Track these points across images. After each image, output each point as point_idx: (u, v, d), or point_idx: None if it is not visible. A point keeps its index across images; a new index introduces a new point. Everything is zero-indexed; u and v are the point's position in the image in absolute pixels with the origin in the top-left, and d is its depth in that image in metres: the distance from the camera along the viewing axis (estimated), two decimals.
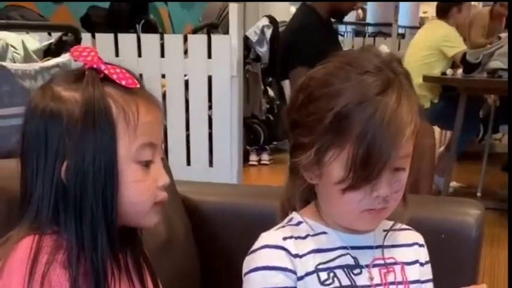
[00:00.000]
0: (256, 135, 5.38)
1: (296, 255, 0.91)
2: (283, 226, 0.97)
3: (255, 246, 0.94)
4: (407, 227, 1.02)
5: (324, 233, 0.94)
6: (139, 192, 0.83)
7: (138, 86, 0.83)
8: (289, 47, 2.91)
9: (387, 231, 0.97)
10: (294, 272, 0.91)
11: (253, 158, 5.36)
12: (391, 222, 0.99)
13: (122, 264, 0.85)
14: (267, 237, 0.94)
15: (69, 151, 0.78)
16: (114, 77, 0.81)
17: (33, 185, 0.81)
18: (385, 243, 0.96)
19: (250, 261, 0.93)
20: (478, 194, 4.13)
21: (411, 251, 0.99)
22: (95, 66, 0.82)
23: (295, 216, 0.97)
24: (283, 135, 5.38)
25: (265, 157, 5.40)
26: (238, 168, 3.15)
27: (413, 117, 0.85)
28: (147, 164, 0.83)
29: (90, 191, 0.78)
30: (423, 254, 1.00)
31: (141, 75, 2.80)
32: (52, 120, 0.79)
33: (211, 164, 3.21)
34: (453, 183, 4.17)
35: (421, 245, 1.00)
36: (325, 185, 0.91)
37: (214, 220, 1.49)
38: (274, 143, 5.70)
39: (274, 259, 0.91)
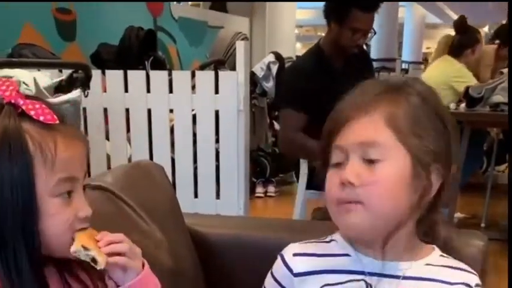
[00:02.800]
0: (262, 167, 5.42)
1: (298, 274, 0.96)
2: (314, 242, 1.01)
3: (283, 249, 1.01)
4: (463, 266, 0.99)
5: (348, 255, 0.96)
6: (58, 224, 0.83)
7: (57, 121, 0.82)
8: (281, 84, 2.94)
9: (417, 262, 0.96)
10: None
11: (259, 190, 5.39)
12: (441, 258, 0.98)
13: (60, 277, 0.87)
14: (288, 248, 1.01)
15: None
16: (32, 113, 0.81)
17: None
18: (418, 275, 0.94)
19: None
20: (482, 225, 4.14)
21: None
22: (12, 101, 0.81)
23: (334, 235, 1.00)
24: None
25: (271, 189, 5.43)
26: (245, 200, 3.16)
27: (381, 104, 0.89)
28: (67, 197, 0.84)
29: (10, 225, 0.79)
30: None
31: (149, 110, 2.87)
32: None
33: (218, 196, 3.22)
34: (457, 214, 4.18)
35: (467, 285, 0.96)
36: None
37: (221, 252, 1.50)
38: (280, 175, 5.73)
39: (278, 272, 1.00)
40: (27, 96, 0.83)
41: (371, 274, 0.93)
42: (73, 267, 0.90)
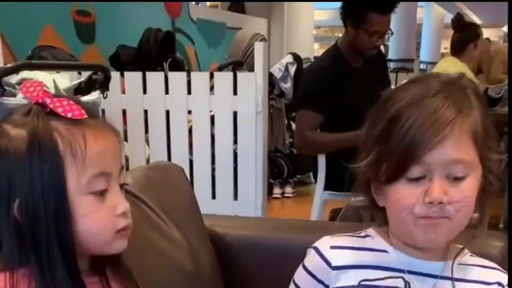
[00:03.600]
0: (280, 168, 5.41)
1: (336, 267, 0.95)
2: (349, 235, 0.99)
3: (315, 242, 1.00)
4: (495, 265, 1.00)
5: (385, 251, 0.95)
6: (95, 223, 0.82)
7: (85, 116, 0.82)
8: (300, 85, 2.94)
9: (452, 262, 0.95)
10: (325, 285, 0.96)
11: (276, 191, 5.38)
12: (471, 258, 0.98)
13: (103, 287, 0.86)
14: (322, 241, 1.00)
15: (19, 188, 0.78)
16: (59, 110, 0.80)
17: None
18: (455, 276, 0.94)
19: (307, 254, 1.00)
20: (501, 225, 4.09)
21: None
22: (40, 101, 0.81)
23: (368, 230, 1.00)
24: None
25: (288, 190, 5.42)
26: (263, 201, 3.16)
27: (463, 121, 0.86)
28: (101, 194, 0.82)
29: (43, 227, 0.78)
30: None
31: (168, 111, 2.86)
32: (0, 157, 0.79)
33: (236, 197, 3.23)
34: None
35: (501, 285, 0.97)
36: (385, 195, 0.92)
37: (239, 253, 1.51)
38: (298, 176, 5.72)
39: (312, 265, 0.98)
40: (54, 95, 0.83)
41: (409, 272, 0.93)
42: (116, 275, 0.90)
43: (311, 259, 0.99)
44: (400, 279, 0.92)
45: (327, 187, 2.77)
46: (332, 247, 0.97)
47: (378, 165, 0.90)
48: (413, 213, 0.87)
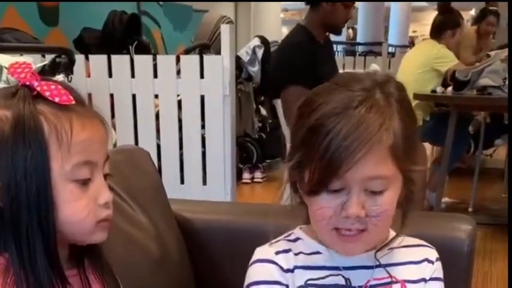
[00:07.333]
0: (249, 153, 5.40)
1: (288, 270, 0.93)
2: (279, 240, 0.98)
3: (250, 261, 0.97)
4: (420, 242, 1.01)
5: (318, 252, 0.95)
6: (76, 211, 0.81)
7: (73, 102, 0.80)
8: (278, 65, 2.98)
9: (378, 249, 0.95)
10: (286, 286, 0.93)
11: (246, 176, 5.38)
12: (398, 239, 0.97)
13: (81, 280, 0.85)
14: (260, 252, 0.97)
15: (1, 171, 0.76)
16: (47, 94, 0.79)
17: None
18: (388, 262, 0.95)
19: (246, 277, 0.97)
20: (470, 209, 4.14)
21: (418, 268, 0.98)
22: (27, 83, 0.79)
23: (296, 231, 0.99)
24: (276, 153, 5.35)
25: (258, 175, 5.42)
26: (232, 186, 3.15)
27: (383, 136, 0.84)
28: (84, 183, 0.81)
29: (24, 212, 0.76)
30: (429, 271, 0.98)
31: (134, 95, 2.80)
32: None
33: (204, 182, 3.21)
34: (445, 199, 4.19)
35: (430, 261, 0.98)
36: (307, 201, 0.92)
37: (208, 238, 1.49)
38: (267, 161, 5.73)
39: (266, 274, 0.94)
40: (43, 78, 0.81)
41: (345, 268, 0.93)
42: (95, 267, 0.89)
43: (263, 271, 0.95)
44: (340, 277, 0.93)
45: None
46: (277, 252, 0.95)
47: (300, 170, 0.89)
48: (329, 224, 0.88)
